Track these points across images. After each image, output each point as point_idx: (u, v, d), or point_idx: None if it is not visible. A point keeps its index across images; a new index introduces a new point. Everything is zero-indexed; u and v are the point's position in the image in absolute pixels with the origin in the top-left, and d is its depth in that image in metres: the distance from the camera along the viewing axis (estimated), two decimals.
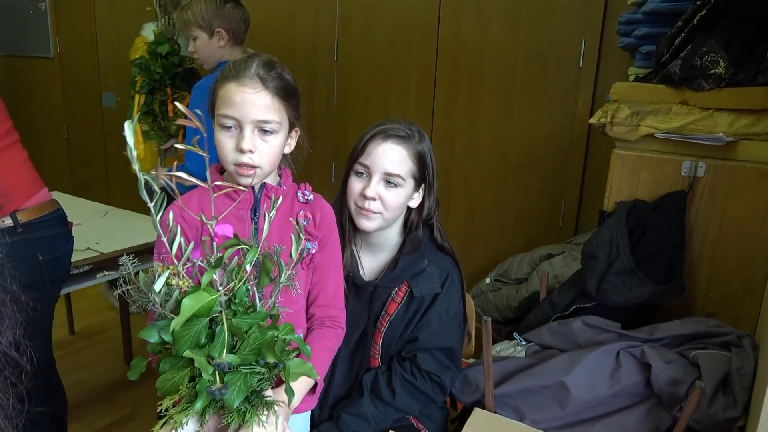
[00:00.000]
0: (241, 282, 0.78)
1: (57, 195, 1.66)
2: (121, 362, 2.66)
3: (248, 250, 0.79)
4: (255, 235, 1.06)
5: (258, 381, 0.78)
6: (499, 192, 2.73)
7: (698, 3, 1.58)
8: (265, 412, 0.80)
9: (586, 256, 1.48)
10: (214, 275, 0.77)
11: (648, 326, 1.33)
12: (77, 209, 2.45)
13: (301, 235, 0.85)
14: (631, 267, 1.40)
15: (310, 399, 1.11)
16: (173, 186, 0.74)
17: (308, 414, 1.22)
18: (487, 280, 2.39)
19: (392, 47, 2.84)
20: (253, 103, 0.99)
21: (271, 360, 0.77)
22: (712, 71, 1.45)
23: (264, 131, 1.01)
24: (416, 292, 1.27)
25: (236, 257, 0.81)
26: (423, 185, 1.27)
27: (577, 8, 2.42)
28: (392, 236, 1.31)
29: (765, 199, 1.40)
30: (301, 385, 1.03)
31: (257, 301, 0.81)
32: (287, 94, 1.04)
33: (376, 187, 1.20)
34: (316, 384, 1.08)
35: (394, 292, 1.29)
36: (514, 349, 1.53)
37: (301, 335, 1.14)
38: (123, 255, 0.83)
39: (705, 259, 1.49)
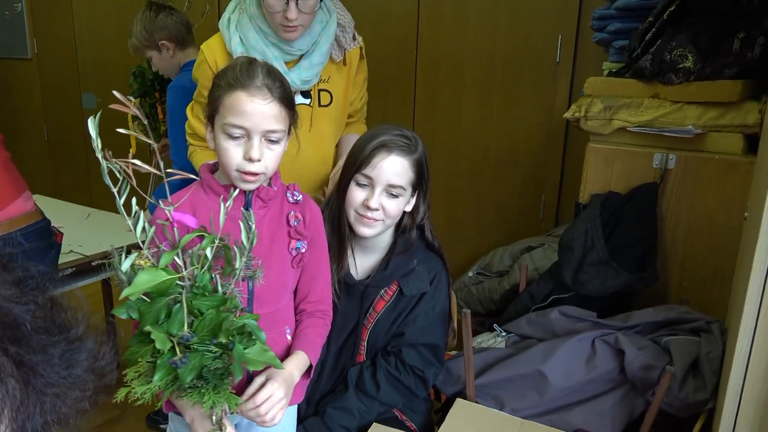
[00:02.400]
0: (203, 268, 0.82)
1: (38, 198, 1.66)
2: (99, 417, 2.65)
3: (205, 237, 0.82)
4: (246, 232, 1.08)
5: (212, 360, 0.82)
6: (481, 187, 2.76)
7: None
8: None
9: (563, 248, 1.52)
10: (175, 258, 0.81)
11: (622, 314, 1.37)
12: (59, 212, 2.43)
13: (252, 226, 0.88)
14: (605, 257, 1.44)
15: (299, 389, 1.14)
16: (129, 173, 0.80)
17: (295, 408, 1.24)
18: (470, 274, 2.43)
19: (372, 48, 2.82)
20: (264, 114, 1.00)
21: (222, 340, 0.81)
22: (681, 65, 1.49)
23: (270, 140, 1.03)
24: (406, 291, 1.30)
25: (199, 244, 0.85)
26: (419, 190, 1.29)
27: (553, 4, 2.45)
28: (385, 238, 1.33)
29: (733, 189, 1.45)
30: (297, 365, 1.08)
31: (219, 287, 0.85)
32: (290, 102, 1.05)
33: (379, 198, 1.22)
34: (310, 369, 1.12)
35: (383, 291, 1.32)
36: (494, 340, 1.56)
37: (288, 330, 1.16)
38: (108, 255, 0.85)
39: (677, 248, 1.54)
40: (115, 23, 3.77)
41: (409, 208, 1.30)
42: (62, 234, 1.62)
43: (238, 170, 1.02)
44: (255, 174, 1.02)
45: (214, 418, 0.89)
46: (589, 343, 1.30)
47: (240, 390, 0.99)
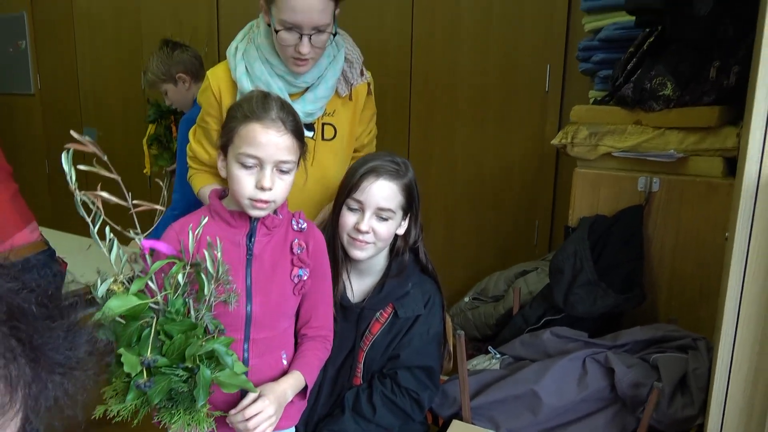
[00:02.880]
0: (176, 293, 0.87)
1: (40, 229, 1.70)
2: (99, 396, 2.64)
3: (176, 263, 0.88)
4: (249, 259, 1.12)
5: (179, 383, 0.87)
6: (477, 213, 2.81)
7: (647, 30, 1.70)
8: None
9: (553, 270, 1.56)
10: (149, 283, 0.86)
11: (612, 334, 1.41)
12: (60, 244, 2.47)
13: (218, 255, 0.93)
14: (594, 279, 1.48)
15: (295, 412, 1.17)
16: (99, 205, 0.86)
17: (292, 430, 1.26)
18: (466, 299, 2.45)
19: None
20: (277, 145, 1.05)
21: (188, 364, 0.85)
22: (661, 93, 1.56)
23: (282, 170, 1.08)
24: (401, 313, 1.33)
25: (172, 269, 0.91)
26: (410, 214, 1.34)
27: (541, 36, 2.54)
28: (379, 261, 1.37)
29: (715, 209, 1.50)
30: (291, 385, 1.12)
31: (192, 312, 0.90)
32: (301, 134, 1.11)
33: (369, 221, 1.27)
34: (305, 391, 1.15)
35: (378, 313, 1.35)
36: (489, 362, 1.59)
37: (284, 356, 1.19)
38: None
39: (664, 268, 1.58)
40: (116, 59, 3.88)
41: (401, 232, 1.34)
42: (66, 263, 1.65)
43: (250, 198, 1.07)
44: (266, 202, 1.07)
45: None
46: (580, 362, 1.33)
47: (234, 403, 1.02)
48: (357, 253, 1.30)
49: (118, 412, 0.86)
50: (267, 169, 1.06)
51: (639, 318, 1.57)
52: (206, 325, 0.93)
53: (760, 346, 0.98)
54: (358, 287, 1.39)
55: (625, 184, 1.60)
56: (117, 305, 0.83)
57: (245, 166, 1.06)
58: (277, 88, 1.37)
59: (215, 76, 1.43)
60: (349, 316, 1.35)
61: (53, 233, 2.60)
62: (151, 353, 0.85)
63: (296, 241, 1.16)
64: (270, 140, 1.05)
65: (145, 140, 2.52)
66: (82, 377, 0.43)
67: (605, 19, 1.90)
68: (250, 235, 1.13)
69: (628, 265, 1.49)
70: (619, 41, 1.83)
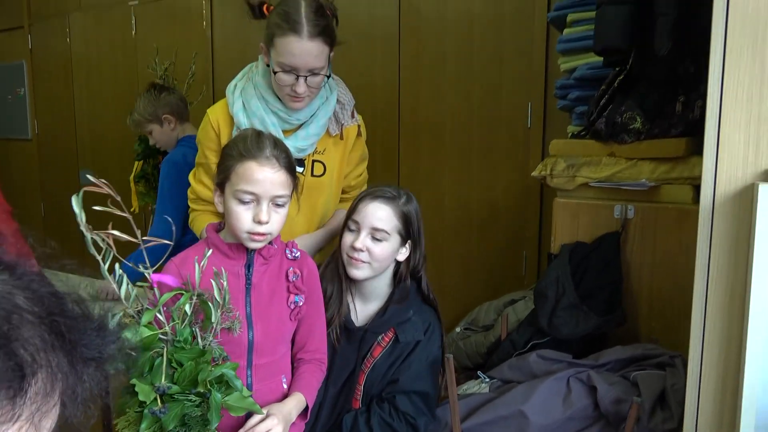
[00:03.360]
0: (184, 322, 0.93)
1: None
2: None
3: (183, 294, 0.94)
4: (248, 288, 1.19)
5: (192, 408, 0.92)
6: (465, 246, 2.89)
7: (617, 69, 1.82)
8: None
9: (538, 295, 1.63)
10: (158, 315, 0.92)
11: (594, 354, 1.47)
12: (55, 282, 2.52)
13: (225, 284, 1.00)
14: (576, 302, 1.55)
15: (295, 431, 1.21)
16: (110, 243, 0.91)
17: None
18: (458, 329, 2.51)
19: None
20: (273, 181, 1.13)
21: (200, 389, 0.90)
22: (631, 126, 1.66)
23: (277, 204, 1.16)
24: (402, 338, 1.40)
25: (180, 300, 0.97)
26: (409, 241, 1.42)
27: (521, 76, 2.68)
28: (382, 286, 1.45)
29: (687, 234, 1.57)
30: (295, 405, 1.17)
31: (199, 340, 0.96)
32: (293, 169, 1.19)
33: (364, 240, 1.36)
34: (306, 409, 1.20)
35: (380, 337, 1.42)
36: (478, 386, 1.64)
37: (284, 380, 1.24)
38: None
39: (643, 290, 1.65)
40: (113, 102, 4.00)
41: (401, 258, 1.42)
42: None
43: (248, 232, 1.14)
44: (263, 234, 1.14)
45: None
46: (564, 381, 1.39)
47: (241, 425, 1.07)
48: (354, 272, 1.38)
49: None
50: (263, 204, 1.13)
51: (622, 339, 1.63)
52: (220, 349, 0.98)
53: (725, 360, 1.05)
54: (362, 311, 1.46)
55: (602, 212, 1.69)
56: (130, 337, 0.89)
57: (243, 202, 1.13)
58: (271, 123, 1.46)
59: (214, 112, 1.52)
60: (352, 339, 1.42)
61: (48, 273, 2.65)
62: (164, 381, 0.90)
63: (291, 269, 1.23)
64: (266, 177, 1.12)
65: (132, 177, 2.58)
66: (112, 370, 0.49)
67: (579, 59, 2.03)
68: (248, 266, 1.20)
69: (607, 289, 1.57)
70: (593, 80, 1.95)
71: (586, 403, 1.35)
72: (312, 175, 1.56)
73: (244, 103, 1.48)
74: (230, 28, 3.38)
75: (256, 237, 1.14)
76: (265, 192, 1.13)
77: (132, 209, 2.64)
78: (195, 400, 0.93)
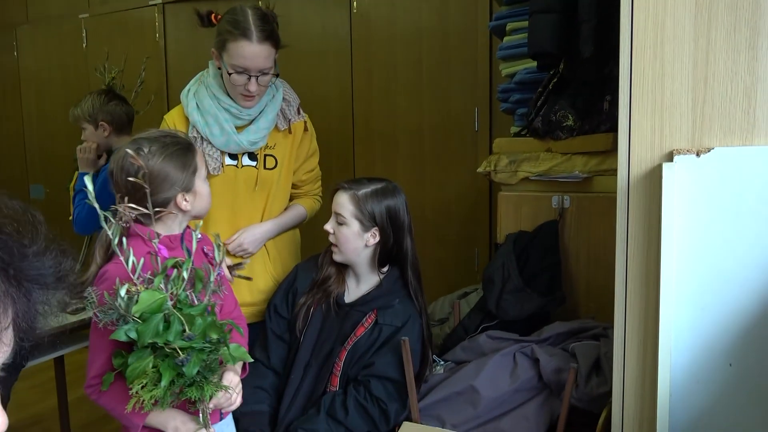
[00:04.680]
0: (182, 285, 1.02)
1: None
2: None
3: (183, 263, 1.04)
4: (217, 249, 1.28)
5: (208, 353, 1.00)
6: (420, 246, 2.97)
7: (551, 73, 1.99)
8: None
9: (486, 281, 1.75)
10: (160, 283, 0.99)
11: (537, 330, 1.60)
12: None
13: (221, 243, 1.12)
14: (520, 285, 1.68)
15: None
16: (126, 211, 1.03)
17: (231, 418, 1.39)
18: None
19: (314, 125, 3.15)
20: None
21: (214, 336, 0.99)
22: (564, 124, 1.82)
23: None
24: (380, 320, 1.54)
25: (175, 270, 1.05)
26: (375, 228, 1.54)
27: (468, 82, 2.84)
28: (364, 268, 1.60)
29: None
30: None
31: (195, 300, 1.05)
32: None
33: (331, 223, 1.57)
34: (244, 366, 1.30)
35: (364, 319, 1.56)
36: (435, 369, 1.74)
37: None
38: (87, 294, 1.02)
39: (581, 274, 1.80)
40: (63, 116, 3.93)
41: (369, 243, 1.55)
42: None
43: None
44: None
45: (201, 416, 1.03)
46: (511, 356, 1.51)
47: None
48: (333, 255, 1.58)
49: (149, 400, 0.96)
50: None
51: (563, 318, 1.76)
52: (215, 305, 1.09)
53: (644, 323, 1.18)
54: (354, 292, 1.62)
55: (541, 202, 1.83)
56: (148, 297, 0.97)
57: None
58: (224, 119, 1.60)
59: (170, 116, 1.68)
60: (339, 314, 1.57)
61: None
62: (177, 337, 0.97)
63: (204, 247, 1.34)
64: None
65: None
66: (55, 294, 0.50)
67: (518, 65, 2.19)
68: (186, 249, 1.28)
69: (548, 272, 1.70)
70: (531, 83, 2.11)
71: (531, 374, 1.46)
72: (265, 167, 1.69)
73: (198, 104, 1.61)
74: (183, 39, 3.42)
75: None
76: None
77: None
78: (211, 347, 1.01)
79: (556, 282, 1.71)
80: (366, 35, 3.04)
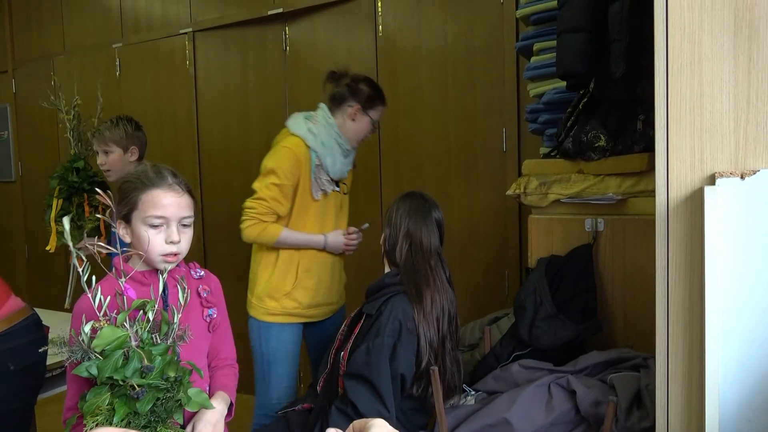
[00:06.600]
0: (147, 326, 1.03)
1: None
2: None
3: (147, 304, 1.05)
4: (166, 310, 1.26)
5: (164, 392, 1.01)
6: (449, 269, 2.96)
7: (581, 92, 1.94)
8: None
9: (517, 308, 1.70)
10: (124, 320, 1.02)
11: (573, 360, 1.53)
12: (42, 318, 2.52)
13: (185, 286, 1.12)
14: (553, 312, 1.62)
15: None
16: (96, 250, 1.04)
17: None
18: None
19: None
20: (180, 204, 1.24)
21: (171, 374, 1.00)
22: (596, 145, 1.77)
23: (184, 225, 1.26)
24: (364, 309, 1.69)
25: (140, 312, 1.07)
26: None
27: (495, 104, 2.81)
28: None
29: (654, 243, 1.67)
30: (222, 399, 1.28)
31: (158, 341, 1.06)
32: (192, 193, 1.31)
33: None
34: (231, 407, 1.31)
35: (364, 317, 1.68)
36: (465, 399, 1.69)
37: (207, 389, 1.33)
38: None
39: (617, 299, 1.73)
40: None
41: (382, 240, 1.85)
42: (49, 327, 1.74)
43: (161, 254, 1.22)
44: (176, 254, 1.24)
45: None
46: (545, 388, 1.45)
47: None
48: None
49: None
50: (173, 226, 1.23)
51: (599, 347, 1.69)
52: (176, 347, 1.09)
53: (688, 353, 1.12)
54: None
55: (574, 226, 1.78)
56: (109, 333, 0.98)
57: (153, 226, 1.22)
58: (339, 150, 2.13)
59: (298, 147, 2.03)
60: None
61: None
62: (135, 373, 0.97)
63: (201, 286, 1.33)
64: (173, 201, 1.23)
65: (53, 216, 2.56)
66: None
67: (546, 85, 2.15)
68: (164, 289, 1.25)
69: (582, 298, 1.64)
70: (560, 103, 2.07)
71: (567, 407, 1.40)
72: (344, 193, 2.25)
73: (323, 142, 2.06)
74: (211, 66, 3.48)
75: (170, 258, 1.23)
76: (174, 214, 1.23)
77: (48, 248, 2.63)
78: (167, 385, 1.01)
79: (590, 309, 1.64)
80: (391, 58, 3.04)
